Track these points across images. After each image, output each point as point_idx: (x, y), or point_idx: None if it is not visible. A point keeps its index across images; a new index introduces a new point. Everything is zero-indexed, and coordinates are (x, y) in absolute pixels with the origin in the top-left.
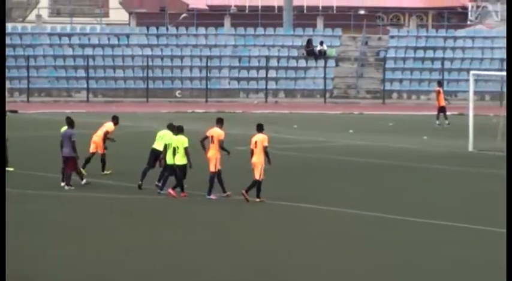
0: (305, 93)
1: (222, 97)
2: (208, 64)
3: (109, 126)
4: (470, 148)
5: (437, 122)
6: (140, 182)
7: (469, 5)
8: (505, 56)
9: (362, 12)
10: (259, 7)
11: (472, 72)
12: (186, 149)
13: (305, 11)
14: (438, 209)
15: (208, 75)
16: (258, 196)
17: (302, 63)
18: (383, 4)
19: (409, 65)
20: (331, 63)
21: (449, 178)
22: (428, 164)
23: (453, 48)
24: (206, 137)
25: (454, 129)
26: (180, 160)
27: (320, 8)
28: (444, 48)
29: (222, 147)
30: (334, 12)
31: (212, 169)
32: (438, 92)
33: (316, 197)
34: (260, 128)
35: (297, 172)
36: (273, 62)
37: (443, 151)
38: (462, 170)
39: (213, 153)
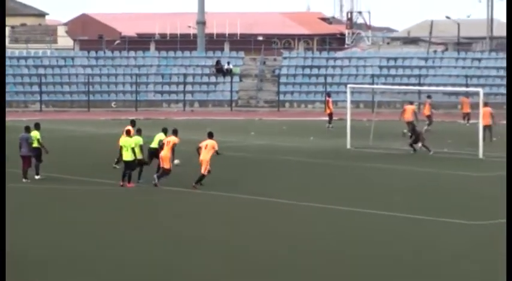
0: (215, 103)
1: (149, 107)
2: (137, 80)
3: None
4: (348, 146)
5: (330, 125)
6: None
7: (346, 32)
8: (375, 73)
9: (260, 38)
10: (178, 34)
11: (349, 85)
12: (133, 149)
13: (215, 38)
14: (328, 194)
15: (138, 89)
16: (196, 183)
17: (213, 79)
18: (277, 31)
19: (298, 80)
20: (236, 79)
21: (332, 169)
22: (316, 159)
23: (334, 67)
24: (163, 143)
25: (335, 131)
26: (128, 156)
27: (227, 35)
28: (326, 67)
29: (173, 149)
30: (238, 38)
31: (166, 166)
32: (327, 102)
33: (234, 185)
34: (210, 136)
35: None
36: (190, 78)
37: (327, 148)
38: (342, 163)
39: (165, 153)
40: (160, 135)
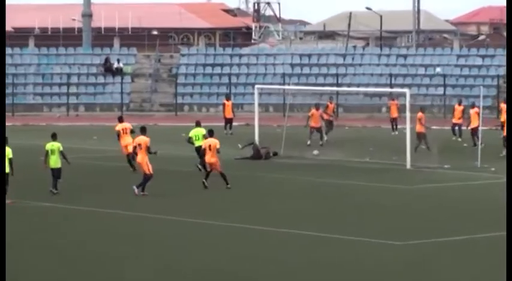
0: (104, 107)
1: (27, 111)
2: (14, 81)
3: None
4: None
5: (229, 131)
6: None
7: (253, 25)
8: (286, 71)
9: (155, 32)
10: (61, 29)
11: (256, 86)
12: (62, 152)
13: (103, 32)
14: (224, 210)
15: (14, 91)
16: (227, 184)
17: (101, 79)
18: (174, 25)
19: (199, 80)
20: (127, 79)
21: (233, 181)
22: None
23: (239, 65)
24: (135, 146)
25: (241, 138)
26: (56, 163)
27: (116, 29)
28: (231, 65)
29: (149, 151)
30: (130, 32)
31: (146, 171)
32: (225, 105)
33: (127, 202)
34: (211, 133)
35: (96, 178)
36: (74, 79)
37: (231, 158)
38: (246, 174)
39: (142, 157)
40: (196, 130)
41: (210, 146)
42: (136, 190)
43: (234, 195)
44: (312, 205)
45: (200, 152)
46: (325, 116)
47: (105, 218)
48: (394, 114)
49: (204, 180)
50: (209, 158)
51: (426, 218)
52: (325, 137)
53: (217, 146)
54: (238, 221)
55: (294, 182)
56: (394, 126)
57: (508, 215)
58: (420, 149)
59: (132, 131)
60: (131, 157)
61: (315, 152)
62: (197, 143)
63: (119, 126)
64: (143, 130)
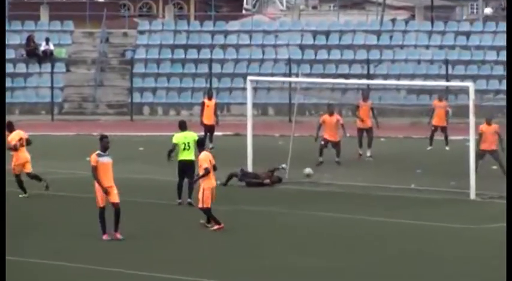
0: (25, 109)
1: None
2: None
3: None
4: None
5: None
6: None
7: None
8: (293, 56)
9: None
10: None
11: (249, 78)
12: None
13: None
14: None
15: None
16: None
17: (21, 68)
18: None
19: (165, 69)
20: (60, 67)
21: (228, 215)
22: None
23: (224, 47)
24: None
25: (226, 154)
26: None
27: None
28: (212, 47)
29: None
30: None
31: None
32: (204, 105)
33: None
34: (202, 144)
35: (20, 214)
36: None
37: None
38: (232, 208)
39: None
40: (184, 136)
41: (210, 161)
42: (118, 235)
43: (217, 239)
44: (328, 254)
45: (205, 173)
46: (359, 124)
47: (44, 270)
48: (442, 121)
49: (215, 226)
50: (213, 180)
51: (500, 271)
52: (359, 151)
53: (213, 162)
54: (218, 277)
55: (301, 219)
56: (445, 140)
57: (507, 215)
58: (489, 170)
59: (28, 142)
60: None
61: (307, 170)
62: (183, 156)
63: (15, 136)
64: (102, 138)
